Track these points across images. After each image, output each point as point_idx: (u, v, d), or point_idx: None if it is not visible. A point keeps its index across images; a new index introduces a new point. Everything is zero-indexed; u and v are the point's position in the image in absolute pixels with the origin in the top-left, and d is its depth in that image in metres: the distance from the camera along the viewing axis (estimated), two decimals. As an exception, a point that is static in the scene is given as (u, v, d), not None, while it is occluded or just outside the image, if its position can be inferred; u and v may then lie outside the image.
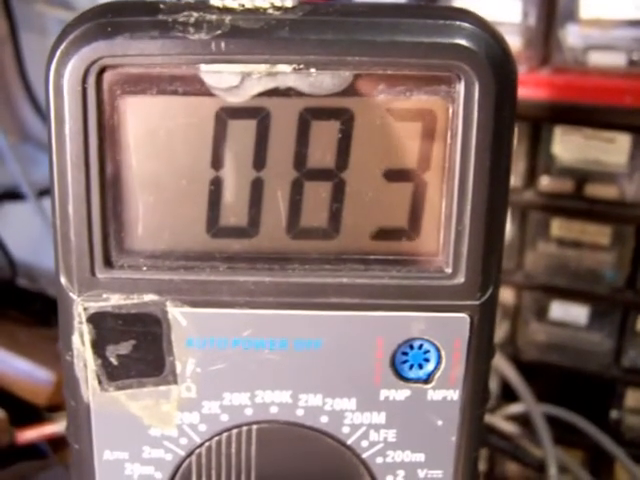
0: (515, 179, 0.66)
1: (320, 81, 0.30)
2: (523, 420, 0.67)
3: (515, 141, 0.64)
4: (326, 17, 0.29)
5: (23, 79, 0.87)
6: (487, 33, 0.30)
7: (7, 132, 0.81)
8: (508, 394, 0.69)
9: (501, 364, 0.67)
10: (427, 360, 0.33)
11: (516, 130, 0.63)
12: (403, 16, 0.30)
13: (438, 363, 0.33)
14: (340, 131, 0.30)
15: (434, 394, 0.33)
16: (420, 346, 0.32)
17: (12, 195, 0.82)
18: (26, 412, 0.61)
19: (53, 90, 0.30)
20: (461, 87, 0.30)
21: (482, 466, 0.71)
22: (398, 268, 0.32)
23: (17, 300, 0.77)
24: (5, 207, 0.86)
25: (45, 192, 0.77)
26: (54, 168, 0.30)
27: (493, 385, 0.70)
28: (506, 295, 0.70)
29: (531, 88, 0.63)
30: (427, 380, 0.33)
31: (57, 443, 0.58)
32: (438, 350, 0.32)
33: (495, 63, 0.29)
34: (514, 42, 0.64)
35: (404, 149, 0.31)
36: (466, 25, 0.29)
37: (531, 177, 0.67)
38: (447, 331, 0.32)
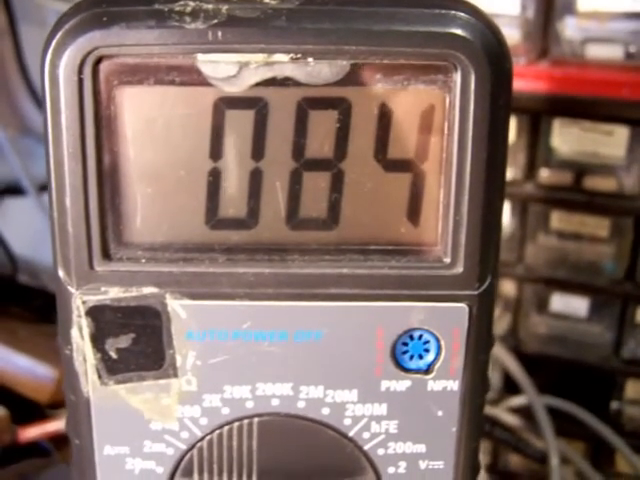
0: (515, 171, 0.66)
1: (318, 70, 0.29)
2: (525, 412, 0.67)
3: (515, 133, 0.64)
4: (323, 6, 0.29)
5: (22, 71, 0.87)
6: (482, 23, 0.30)
7: (6, 125, 0.80)
8: (510, 386, 0.69)
9: (503, 356, 0.67)
10: (427, 350, 0.32)
11: (516, 122, 0.64)
12: (399, 5, 0.30)
13: (438, 353, 0.33)
14: (338, 121, 0.30)
15: (434, 384, 0.33)
16: (420, 336, 0.32)
17: (12, 190, 0.82)
18: (28, 410, 0.61)
19: (49, 81, 0.29)
20: (457, 77, 0.30)
21: (486, 458, 0.71)
22: (397, 258, 0.32)
23: (18, 296, 0.76)
24: (5, 202, 0.85)
25: (46, 187, 0.76)
26: (50, 160, 0.30)
27: (495, 377, 0.71)
28: (507, 287, 0.70)
29: (530, 80, 0.63)
30: (427, 370, 0.33)
31: (60, 441, 0.58)
32: (438, 340, 0.32)
33: (490, 53, 0.29)
34: (513, 34, 0.64)
35: (402, 139, 0.31)
36: (462, 15, 0.29)
37: (531, 169, 0.67)
38: (446, 321, 0.32)
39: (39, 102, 0.86)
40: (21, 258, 0.82)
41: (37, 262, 0.84)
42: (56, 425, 0.58)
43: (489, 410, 0.66)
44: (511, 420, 0.67)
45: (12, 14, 0.85)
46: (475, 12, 0.30)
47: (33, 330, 0.69)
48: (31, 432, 0.58)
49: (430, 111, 0.30)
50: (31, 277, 0.83)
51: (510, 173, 0.66)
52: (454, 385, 0.33)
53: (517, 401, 0.68)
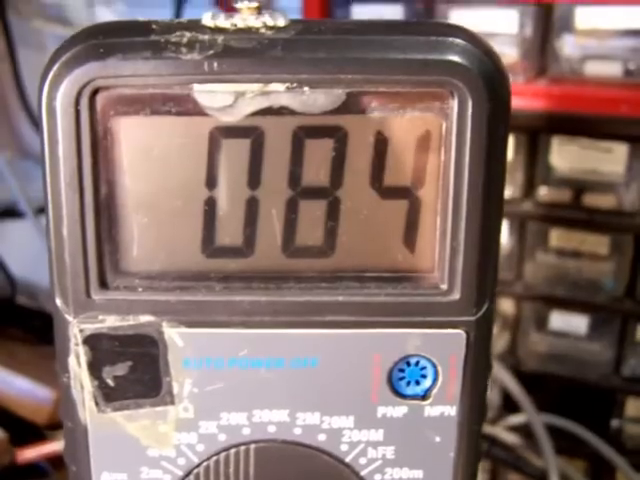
0: (514, 189, 0.67)
1: (313, 99, 0.30)
2: (525, 430, 0.67)
3: (513, 151, 0.64)
4: (318, 35, 0.29)
5: (21, 95, 0.87)
6: (479, 49, 0.29)
7: (5, 148, 0.80)
8: (509, 405, 0.69)
9: (502, 375, 0.67)
10: (424, 376, 0.32)
11: (514, 140, 0.64)
12: (395, 33, 0.30)
13: (435, 379, 0.32)
14: (334, 149, 0.30)
15: (432, 410, 0.33)
16: (417, 362, 0.32)
17: (11, 213, 0.82)
18: (26, 431, 0.61)
19: (46, 112, 0.30)
20: (454, 103, 0.29)
21: (485, 477, 0.71)
22: (394, 285, 0.31)
23: (17, 318, 0.77)
24: (4, 225, 0.86)
25: (44, 209, 0.77)
26: (48, 190, 0.30)
27: (494, 396, 0.70)
28: (506, 306, 0.70)
29: (528, 99, 0.63)
30: (424, 396, 0.33)
31: (59, 462, 0.57)
32: (435, 366, 0.32)
33: (488, 79, 0.29)
34: (511, 53, 0.64)
35: (398, 166, 0.31)
36: (458, 41, 0.29)
37: (529, 187, 0.67)
38: (443, 347, 0.32)
39: (37, 125, 0.87)
40: (20, 280, 0.82)
41: (36, 283, 0.84)
42: (54, 446, 0.58)
43: (488, 429, 0.66)
44: (510, 439, 0.67)
45: (11, 38, 0.85)
46: (472, 38, 0.30)
47: (32, 352, 0.69)
48: (30, 453, 0.58)
49: (427, 138, 0.30)
50: (30, 298, 0.83)
51: (509, 191, 0.66)
52: (451, 411, 0.33)
53: (516, 419, 0.68)
